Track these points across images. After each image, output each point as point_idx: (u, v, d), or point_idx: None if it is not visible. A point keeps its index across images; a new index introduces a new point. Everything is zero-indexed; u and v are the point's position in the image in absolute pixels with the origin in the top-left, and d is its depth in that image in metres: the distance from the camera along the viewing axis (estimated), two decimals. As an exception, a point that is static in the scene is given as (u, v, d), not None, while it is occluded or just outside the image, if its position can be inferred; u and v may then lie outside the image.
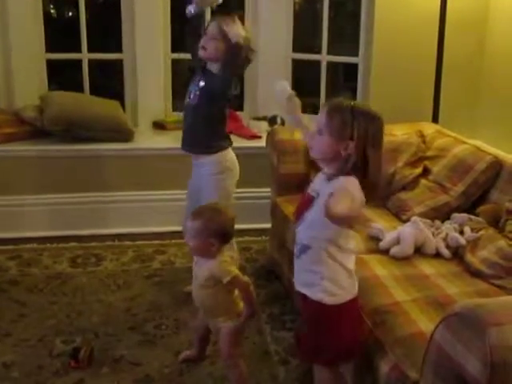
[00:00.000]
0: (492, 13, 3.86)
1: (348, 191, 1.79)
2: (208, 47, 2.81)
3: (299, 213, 2.05)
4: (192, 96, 2.92)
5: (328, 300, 1.99)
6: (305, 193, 2.07)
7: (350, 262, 2.03)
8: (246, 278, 2.37)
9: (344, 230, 1.93)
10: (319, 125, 1.95)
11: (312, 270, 2.00)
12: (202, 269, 2.39)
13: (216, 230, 2.35)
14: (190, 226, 2.37)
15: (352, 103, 1.94)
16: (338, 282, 2.00)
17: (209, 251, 2.35)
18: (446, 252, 2.64)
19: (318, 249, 1.97)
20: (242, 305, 2.45)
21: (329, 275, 1.99)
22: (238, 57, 2.75)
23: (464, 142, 3.23)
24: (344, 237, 1.96)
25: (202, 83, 2.89)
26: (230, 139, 3.04)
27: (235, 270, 2.36)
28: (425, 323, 2.04)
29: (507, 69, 3.72)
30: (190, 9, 2.88)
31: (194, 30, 2.94)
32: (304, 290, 2.05)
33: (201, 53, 2.85)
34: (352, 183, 1.86)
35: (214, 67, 2.86)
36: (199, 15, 2.96)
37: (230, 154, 3.01)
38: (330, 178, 1.94)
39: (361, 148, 1.88)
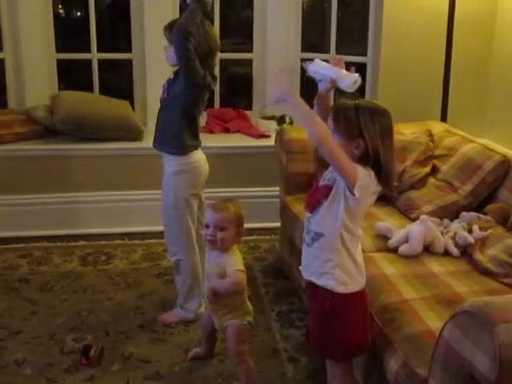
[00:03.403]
0: (500, 13, 3.85)
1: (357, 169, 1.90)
2: (167, 54, 2.82)
3: (313, 202, 2.06)
4: (163, 91, 2.88)
5: (339, 289, 2.02)
6: (316, 184, 2.09)
7: (358, 253, 2.07)
8: (242, 278, 2.36)
9: (356, 214, 1.99)
10: (330, 127, 1.98)
11: (324, 257, 2.03)
12: (215, 264, 2.41)
13: (242, 221, 2.40)
14: (217, 217, 2.36)
15: (356, 101, 1.97)
16: (349, 272, 2.03)
17: (231, 244, 2.38)
18: (454, 250, 2.64)
19: (331, 236, 2.00)
20: (250, 304, 2.47)
21: (341, 263, 2.02)
22: (184, 38, 2.68)
23: (472, 141, 3.24)
24: (355, 222, 2.00)
25: (172, 76, 2.86)
26: (197, 141, 2.91)
27: (242, 267, 2.37)
28: (433, 321, 2.04)
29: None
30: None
31: None
32: (314, 279, 2.07)
33: (166, 61, 2.86)
34: (363, 174, 1.91)
35: None
36: None
37: (193, 156, 2.88)
38: None
39: (371, 143, 1.91)
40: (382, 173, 1.94)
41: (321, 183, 2.06)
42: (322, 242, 2.02)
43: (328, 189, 1.99)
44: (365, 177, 1.91)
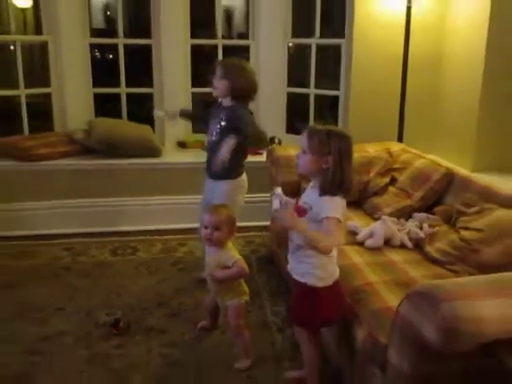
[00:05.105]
0: (446, 56, 3.87)
1: (334, 220, 1.88)
2: (217, 86, 2.82)
3: None
4: (214, 133, 2.85)
5: (320, 284, 2.04)
6: (297, 202, 2.09)
7: (335, 254, 2.08)
8: (244, 264, 2.35)
9: None
10: (302, 146, 2.00)
11: (306, 261, 2.04)
12: (213, 257, 2.39)
13: (234, 222, 2.39)
14: (212, 219, 2.34)
15: (326, 127, 1.99)
16: (327, 270, 2.06)
17: (225, 240, 2.36)
18: (409, 243, 2.65)
19: (309, 247, 1.98)
20: (246, 286, 2.46)
21: (319, 265, 2.03)
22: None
23: (423, 157, 3.25)
24: None
25: (223, 123, 2.82)
26: (244, 165, 2.97)
27: (238, 255, 2.37)
28: (392, 300, 2.05)
29: (457, 101, 3.74)
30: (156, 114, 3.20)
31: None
32: (299, 278, 2.08)
33: (213, 92, 2.86)
34: (336, 204, 1.93)
35: (226, 101, 2.86)
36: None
37: (243, 176, 2.97)
38: (320, 194, 1.96)
39: (338, 161, 1.93)
40: (344, 183, 1.94)
41: (300, 202, 2.05)
42: (303, 251, 2.03)
43: (304, 211, 1.99)
44: (341, 212, 1.92)
